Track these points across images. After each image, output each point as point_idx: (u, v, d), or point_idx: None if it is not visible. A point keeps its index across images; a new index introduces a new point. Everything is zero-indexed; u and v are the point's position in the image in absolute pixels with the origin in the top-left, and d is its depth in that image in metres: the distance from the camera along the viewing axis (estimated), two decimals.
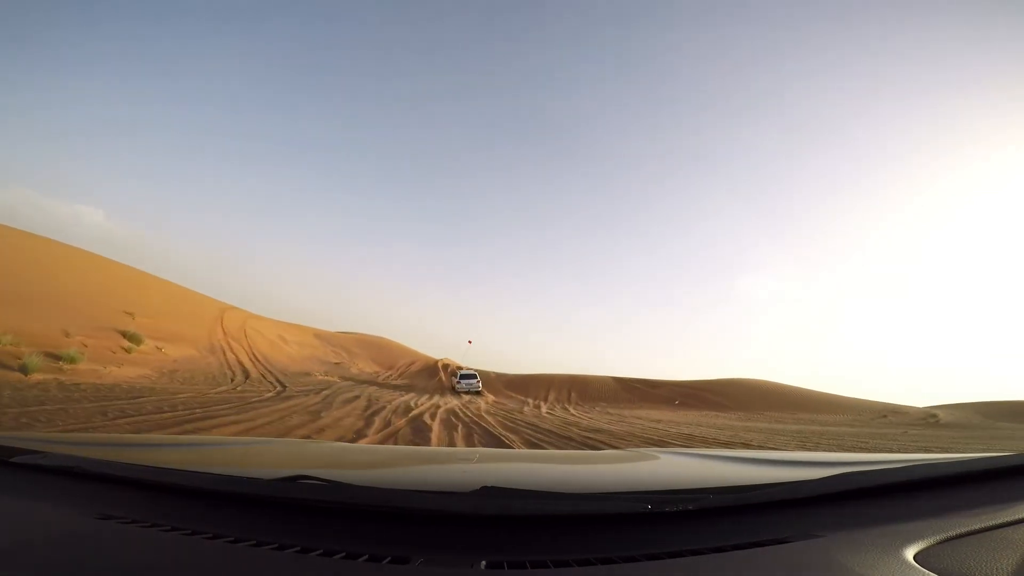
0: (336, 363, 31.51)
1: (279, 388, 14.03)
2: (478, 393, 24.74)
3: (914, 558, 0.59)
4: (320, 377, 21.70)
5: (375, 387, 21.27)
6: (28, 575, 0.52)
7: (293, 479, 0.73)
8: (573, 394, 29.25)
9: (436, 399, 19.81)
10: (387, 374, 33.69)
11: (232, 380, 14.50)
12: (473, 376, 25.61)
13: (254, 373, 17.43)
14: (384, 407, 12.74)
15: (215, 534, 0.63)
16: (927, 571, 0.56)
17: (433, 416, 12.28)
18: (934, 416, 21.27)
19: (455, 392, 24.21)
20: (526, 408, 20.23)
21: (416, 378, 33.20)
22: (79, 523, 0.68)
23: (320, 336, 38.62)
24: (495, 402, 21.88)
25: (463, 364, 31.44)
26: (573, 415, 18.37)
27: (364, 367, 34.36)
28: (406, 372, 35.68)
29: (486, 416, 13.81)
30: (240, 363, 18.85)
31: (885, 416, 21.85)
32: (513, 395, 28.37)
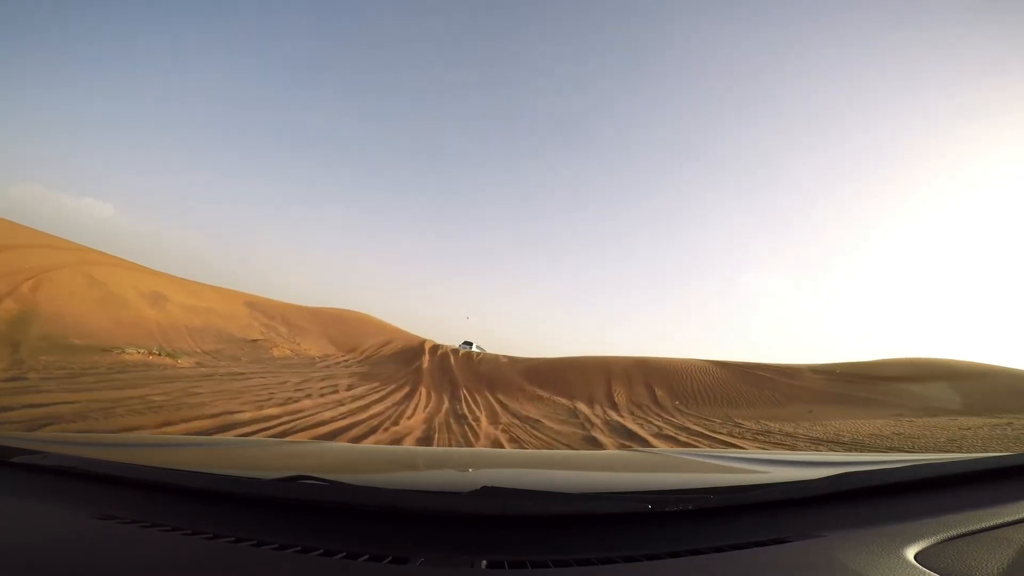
0: (253, 340, 19.71)
1: None
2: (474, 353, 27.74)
3: (914, 558, 0.59)
4: (135, 356, 10.13)
5: (276, 380, 9.84)
6: (28, 575, 0.51)
7: (293, 479, 0.73)
8: (658, 391, 16.69)
9: (379, 405, 8.30)
10: (343, 358, 21.98)
11: None
12: (470, 344, 30.34)
13: None
14: None
15: (215, 534, 0.62)
16: (928, 571, 0.56)
17: None
18: None
19: (453, 382, 18.17)
20: (593, 430, 8.15)
21: (384, 364, 21.47)
22: (79, 523, 0.67)
23: (253, 304, 26.80)
24: (513, 421, 9.87)
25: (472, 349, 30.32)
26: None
27: (309, 347, 22.63)
28: (374, 355, 23.89)
29: None
30: None
31: None
32: (544, 395, 16.34)
